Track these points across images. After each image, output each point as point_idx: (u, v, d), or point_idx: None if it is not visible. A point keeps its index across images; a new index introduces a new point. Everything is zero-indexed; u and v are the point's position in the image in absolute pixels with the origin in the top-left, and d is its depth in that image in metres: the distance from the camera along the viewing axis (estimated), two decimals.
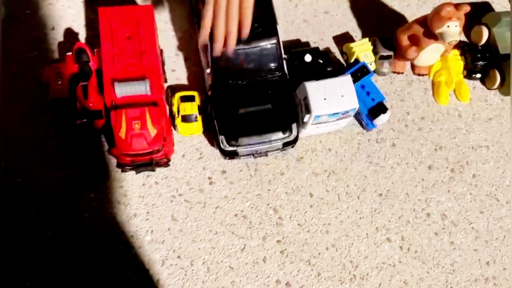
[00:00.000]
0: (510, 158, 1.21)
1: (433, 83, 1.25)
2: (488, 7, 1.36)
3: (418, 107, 1.23)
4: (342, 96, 1.02)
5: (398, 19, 1.30)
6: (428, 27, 1.08)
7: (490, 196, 1.16)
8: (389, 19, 1.29)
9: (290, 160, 1.14)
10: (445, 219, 1.13)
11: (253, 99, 1.02)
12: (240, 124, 1.01)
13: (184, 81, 1.17)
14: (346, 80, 1.04)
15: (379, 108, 1.11)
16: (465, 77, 1.26)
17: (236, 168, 1.11)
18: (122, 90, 0.97)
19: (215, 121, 1.02)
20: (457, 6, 1.03)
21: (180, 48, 1.20)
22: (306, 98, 1.02)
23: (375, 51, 1.20)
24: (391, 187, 1.14)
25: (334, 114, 1.03)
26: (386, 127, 1.19)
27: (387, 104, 1.18)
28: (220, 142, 1.02)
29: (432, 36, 1.08)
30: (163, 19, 1.22)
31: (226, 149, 1.02)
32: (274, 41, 1.00)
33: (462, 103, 1.25)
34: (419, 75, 1.25)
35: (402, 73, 1.24)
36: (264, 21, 1.01)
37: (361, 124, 1.17)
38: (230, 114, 1.01)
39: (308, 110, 1.02)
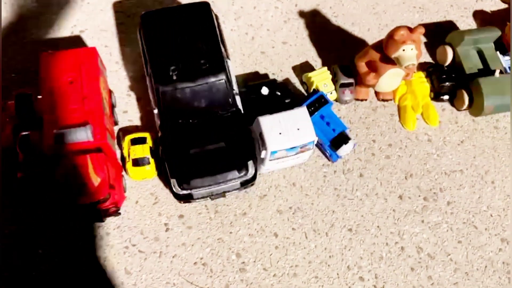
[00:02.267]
0: (486, 182, 1.14)
1: (399, 108, 1.20)
2: (452, 26, 1.33)
3: (384, 134, 1.17)
4: (298, 129, 0.96)
5: (360, 45, 1.26)
6: (384, 52, 1.04)
7: (467, 224, 1.10)
8: (350, 45, 1.25)
9: (253, 199, 1.07)
10: (420, 252, 1.06)
11: (205, 138, 0.97)
12: (192, 166, 0.95)
13: (136, 122, 1.12)
14: (301, 112, 0.99)
15: (340, 139, 1.06)
16: (432, 99, 1.21)
17: (195, 211, 1.05)
18: (61, 138, 0.92)
19: (165, 163, 0.96)
20: (410, 29, 0.99)
21: (132, 88, 1.15)
22: (261, 134, 0.97)
23: (335, 80, 1.16)
24: (361, 221, 1.08)
25: (291, 148, 0.98)
26: (352, 157, 1.14)
27: (350, 133, 1.13)
28: (172, 186, 0.96)
29: (389, 61, 1.04)
30: (114, 60, 1.18)
31: (179, 193, 0.96)
32: (223, 77, 0.96)
33: (431, 127, 1.19)
34: (383, 100, 1.20)
35: (366, 100, 1.19)
36: (211, 57, 0.97)
37: (325, 155, 1.11)
38: (181, 156, 0.95)
39: (264, 146, 0.96)
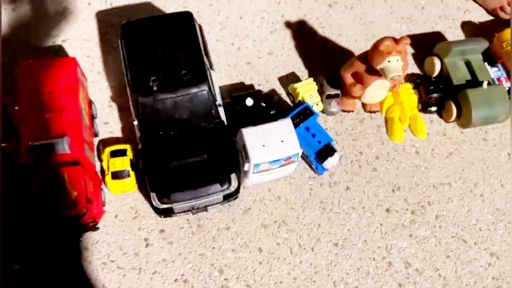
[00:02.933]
0: (475, 195, 1.12)
1: (386, 120, 1.18)
2: (440, 37, 1.32)
3: (371, 146, 1.15)
4: (282, 141, 0.94)
5: (347, 56, 1.24)
6: (369, 63, 1.02)
7: (456, 238, 1.07)
8: (337, 56, 1.24)
9: (236, 212, 1.05)
10: (408, 267, 1.03)
11: (186, 150, 0.94)
12: (172, 179, 0.92)
13: (118, 133, 1.09)
14: (285, 124, 0.96)
15: (326, 150, 1.04)
16: (420, 111, 1.19)
17: (176, 225, 1.02)
18: (37, 150, 0.89)
19: (145, 176, 0.93)
20: (396, 39, 0.98)
21: (114, 98, 1.13)
22: (244, 146, 0.94)
23: (321, 91, 1.14)
24: (348, 235, 1.05)
25: (275, 161, 0.95)
26: (338, 170, 1.11)
27: (337, 145, 1.11)
28: (152, 200, 0.93)
29: (375, 72, 1.02)
30: (96, 70, 1.16)
31: (159, 207, 0.93)
32: (205, 87, 0.93)
33: (419, 139, 1.18)
34: (370, 112, 1.18)
35: (353, 111, 1.17)
36: (193, 67, 0.95)
37: (311, 168, 1.09)
38: (161, 168, 0.92)
39: (247, 159, 0.94)
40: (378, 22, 1.32)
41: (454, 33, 1.34)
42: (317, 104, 1.12)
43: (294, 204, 1.07)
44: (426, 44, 1.27)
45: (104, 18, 1.22)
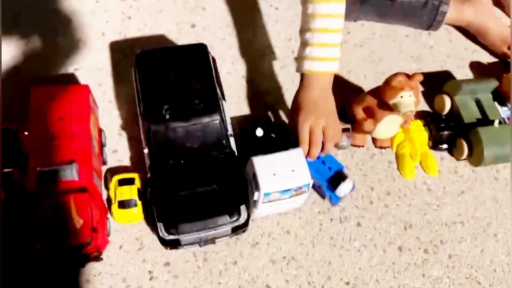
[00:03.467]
0: (489, 235, 1.09)
1: (397, 156, 1.17)
2: (449, 75, 1.33)
3: (382, 182, 1.13)
4: (293, 170, 0.93)
5: (357, 92, 1.25)
6: (381, 98, 1.02)
7: (470, 279, 1.04)
8: (347, 92, 1.24)
9: (244, 246, 1.02)
10: None
11: (196, 179, 0.92)
12: (181, 209, 0.90)
13: (126, 162, 1.08)
14: (296, 153, 0.95)
15: (338, 177, 1.02)
16: (431, 148, 1.19)
17: (182, 258, 0.98)
18: (45, 176, 0.87)
19: (153, 206, 0.91)
20: (408, 75, 0.98)
21: (124, 127, 1.12)
22: (254, 175, 0.93)
23: None
24: (359, 274, 1.01)
25: (286, 190, 0.93)
26: (349, 205, 1.09)
27: (347, 174, 1.09)
28: (159, 231, 0.90)
29: (387, 107, 1.02)
30: (107, 99, 1.16)
31: (166, 238, 0.91)
32: (217, 117, 0.93)
33: (430, 176, 1.16)
34: (381, 148, 1.17)
35: (363, 146, 1.16)
36: (206, 96, 0.94)
37: (323, 198, 1.07)
38: (169, 198, 0.90)
39: (257, 188, 0.92)
40: (388, 60, 1.33)
41: (463, 72, 1.35)
42: None
43: (304, 240, 1.04)
44: (435, 83, 1.28)
45: (118, 48, 1.24)
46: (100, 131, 1.06)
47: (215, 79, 0.98)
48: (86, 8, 1.29)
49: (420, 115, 1.22)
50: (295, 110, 1.00)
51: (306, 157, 0.96)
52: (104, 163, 1.05)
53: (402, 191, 1.13)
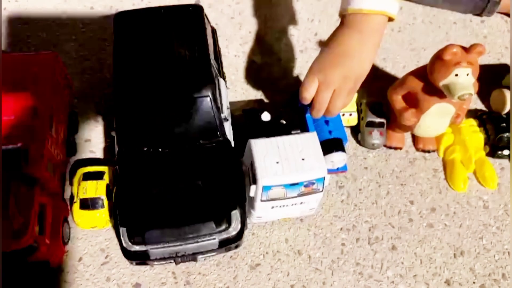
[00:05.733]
0: None
1: (444, 163, 0.92)
2: (507, 69, 1.07)
3: (425, 194, 0.88)
4: (303, 159, 0.69)
5: (392, 82, 1.01)
6: (428, 81, 0.78)
7: None
8: (380, 81, 1.00)
9: (240, 268, 0.78)
10: None
11: (174, 173, 0.70)
12: (151, 211, 0.67)
13: (100, 154, 0.87)
14: (309, 138, 0.72)
15: (333, 144, 0.81)
16: (487, 154, 0.93)
17: (157, 279, 0.75)
18: None
19: (116, 206, 0.69)
20: (465, 48, 0.74)
21: (102, 115, 0.92)
22: (252, 163, 0.69)
23: (361, 117, 0.91)
24: None
25: (292, 185, 0.69)
26: (381, 221, 0.84)
27: (380, 189, 0.85)
28: (121, 238, 0.68)
29: (435, 92, 0.78)
30: (88, 81, 0.96)
31: (130, 248, 0.68)
32: (208, 93, 0.70)
33: (487, 190, 0.90)
34: (423, 151, 0.92)
35: (401, 148, 0.92)
36: (196, 67, 0.72)
37: None
38: (137, 195, 0.68)
39: (254, 179, 0.68)
40: (432, 49, 1.07)
41: None
42: (350, 115, 0.90)
43: (320, 264, 0.79)
44: (490, 77, 1.03)
45: (106, 25, 1.05)
46: (71, 113, 0.86)
47: (210, 49, 0.76)
48: None
49: (473, 114, 0.97)
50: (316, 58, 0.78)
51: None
52: (72, 153, 0.84)
53: (451, 207, 0.87)
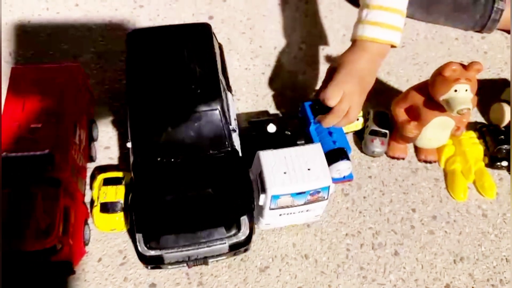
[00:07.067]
0: None
1: (445, 173, 0.96)
2: (506, 84, 1.12)
3: (427, 202, 0.92)
4: (309, 169, 0.74)
5: (396, 95, 1.05)
6: (429, 95, 0.83)
7: None
8: (384, 95, 1.05)
9: (250, 271, 0.82)
10: None
11: (187, 181, 0.74)
12: (165, 217, 0.71)
13: (118, 160, 0.92)
14: (314, 149, 0.76)
15: (338, 153, 0.85)
16: (487, 165, 0.97)
17: (172, 280, 0.79)
18: (11, 163, 0.72)
19: (132, 212, 0.74)
20: (464, 65, 0.79)
21: (118, 121, 0.97)
22: (261, 173, 0.74)
23: (366, 125, 0.96)
24: None
25: (299, 194, 0.74)
26: (385, 228, 0.88)
27: (384, 197, 0.89)
28: (138, 244, 0.72)
29: (436, 106, 0.82)
30: (108, 91, 1.01)
31: (146, 253, 0.72)
32: (217, 106, 0.75)
33: (486, 199, 0.94)
34: (425, 161, 0.96)
35: (403, 158, 0.96)
36: (205, 81, 0.76)
37: None
38: (152, 203, 0.72)
39: (263, 189, 0.73)
40: (434, 63, 1.14)
41: None
42: (357, 119, 0.95)
43: (326, 267, 0.83)
44: (490, 92, 1.07)
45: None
46: (91, 122, 0.91)
47: (218, 65, 0.80)
48: None
49: (473, 126, 1.02)
50: (336, 70, 0.86)
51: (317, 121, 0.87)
52: (92, 159, 0.89)
53: (451, 215, 0.91)
